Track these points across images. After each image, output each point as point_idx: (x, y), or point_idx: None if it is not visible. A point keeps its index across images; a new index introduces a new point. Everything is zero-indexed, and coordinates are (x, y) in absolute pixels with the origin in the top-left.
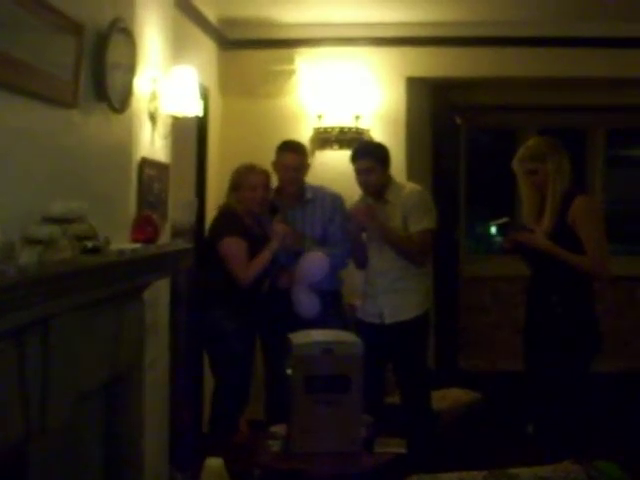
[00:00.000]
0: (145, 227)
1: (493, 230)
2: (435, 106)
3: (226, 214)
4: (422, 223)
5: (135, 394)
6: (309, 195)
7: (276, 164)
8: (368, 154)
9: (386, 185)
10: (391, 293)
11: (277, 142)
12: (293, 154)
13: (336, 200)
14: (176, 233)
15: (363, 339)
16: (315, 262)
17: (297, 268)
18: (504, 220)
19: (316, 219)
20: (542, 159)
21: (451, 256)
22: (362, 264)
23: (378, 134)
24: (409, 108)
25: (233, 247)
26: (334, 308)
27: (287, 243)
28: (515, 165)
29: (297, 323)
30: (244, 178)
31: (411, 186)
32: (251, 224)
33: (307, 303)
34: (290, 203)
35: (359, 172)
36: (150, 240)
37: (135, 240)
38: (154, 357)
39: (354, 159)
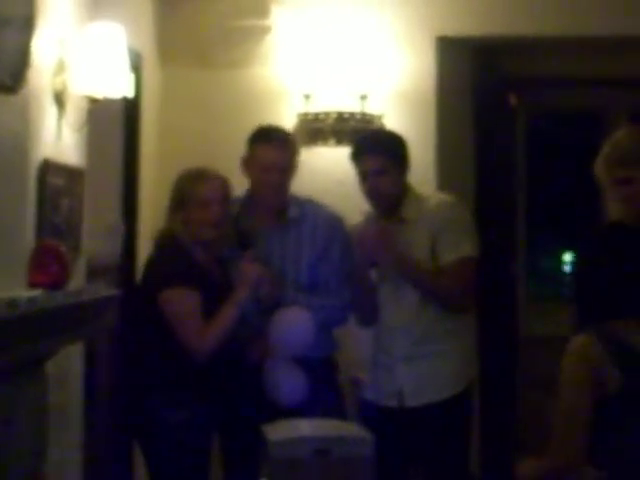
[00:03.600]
0: (48, 264)
1: (568, 264)
2: (480, 80)
3: (168, 246)
4: (459, 249)
5: None
6: (294, 212)
7: (250, 162)
8: (378, 148)
9: (403, 197)
10: (415, 361)
11: (242, 135)
12: (278, 147)
13: (333, 223)
14: (94, 273)
15: (374, 432)
16: (297, 323)
17: (269, 332)
18: None
19: (303, 251)
20: (639, 162)
21: (505, 303)
22: (370, 318)
23: (395, 122)
24: (441, 83)
25: (181, 302)
26: (326, 384)
27: (263, 293)
28: (599, 171)
29: (275, 410)
30: (192, 188)
31: (438, 197)
32: (205, 261)
33: (288, 385)
34: (263, 223)
35: (365, 175)
36: (55, 284)
37: (33, 284)
38: (60, 460)
39: (357, 156)
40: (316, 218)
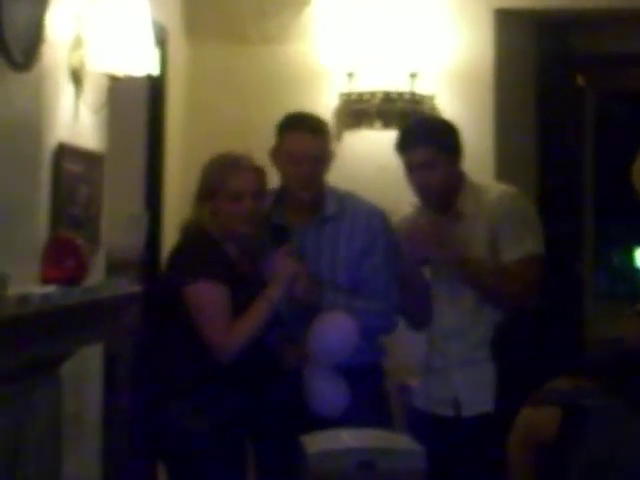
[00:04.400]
0: (63, 258)
1: None
2: (544, 57)
3: (195, 239)
4: (523, 245)
5: None
6: (331, 208)
7: (278, 153)
8: (428, 139)
9: (458, 189)
10: (472, 366)
11: (279, 118)
12: (309, 135)
13: (375, 219)
14: (114, 268)
15: (425, 444)
16: (338, 330)
17: (309, 338)
18: None
19: (340, 250)
20: None
21: (570, 305)
22: (422, 320)
23: (448, 103)
24: (500, 61)
25: (209, 296)
26: (372, 393)
27: (298, 292)
28: (638, 179)
29: (313, 419)
30: (223, 179)
31: (499, 188)
32: (236, 256)
33: (328, 395)
34: (297, 219)
35: (413, 168)
36: (71, 279)
37: (47, 280)
38: (77, 469)
39: (404, 147)
40: (355, 214)
